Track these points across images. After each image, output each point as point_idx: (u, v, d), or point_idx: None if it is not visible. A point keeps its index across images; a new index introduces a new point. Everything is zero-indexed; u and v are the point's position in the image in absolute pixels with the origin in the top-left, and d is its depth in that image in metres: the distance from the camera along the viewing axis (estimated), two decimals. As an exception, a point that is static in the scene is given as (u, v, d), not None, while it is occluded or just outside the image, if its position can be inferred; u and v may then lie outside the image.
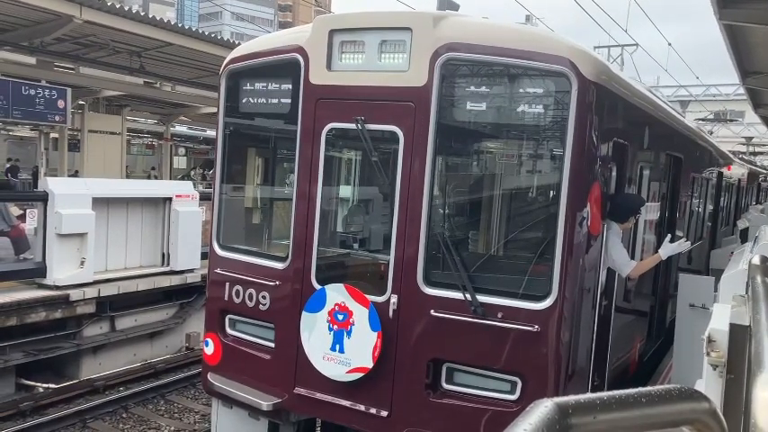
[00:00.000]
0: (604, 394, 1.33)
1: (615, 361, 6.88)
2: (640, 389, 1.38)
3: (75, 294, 11.80)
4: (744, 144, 42.08)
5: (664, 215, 9.12)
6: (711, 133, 29.34)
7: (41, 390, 11.28)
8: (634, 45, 29.15)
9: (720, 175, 15.60)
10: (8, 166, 30.10)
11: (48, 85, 20.00)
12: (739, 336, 2.45)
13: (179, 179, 32.14)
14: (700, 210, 12.96)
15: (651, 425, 1.35)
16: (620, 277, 6.72)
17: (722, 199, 17.33)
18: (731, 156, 19.84)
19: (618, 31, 26.31)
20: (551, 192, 5.66)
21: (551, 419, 1.21)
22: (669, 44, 30.36)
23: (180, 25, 17.31)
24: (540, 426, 1.17)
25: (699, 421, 1.40)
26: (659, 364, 9.04)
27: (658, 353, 9.50)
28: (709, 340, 2.58)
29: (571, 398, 1.29)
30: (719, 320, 2.69)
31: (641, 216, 6.92)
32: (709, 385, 2.54)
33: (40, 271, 11.80)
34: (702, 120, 34.44)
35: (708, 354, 2.57)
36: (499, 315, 5.39)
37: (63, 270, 11.82)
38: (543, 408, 1.24)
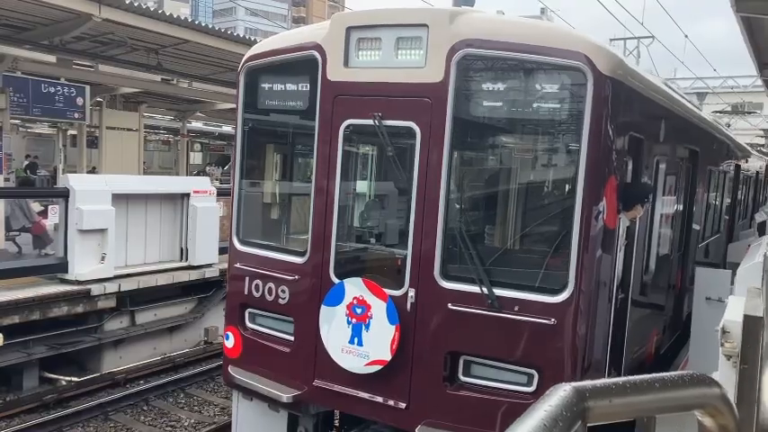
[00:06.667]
0: (620, 379, 1.40)
1: (632, 354, 6.91)
2: (654, 374, 1.45)
3: (96, 289, 12.01)
4: (762, 136, 41.59)
5: (680, 208, 9.11)
6: (729, 126, 29.09)
7: (64, 383, 11.51)
8: (650, 38, 28.92)
9: (738, 167, 15.50)
10: (27, 163, 30.46)
11: (67, 82, 20.25)
12: (753, 327, 2.49)
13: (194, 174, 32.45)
14: (717, 203, 12.90)
15: (664, 408, 1.42)
16: (636, 271, 6.74)
17: (740, 192, 17.21)
18: (749, 148, 19.67)
19: (636, 23, 26.09)
20: (567, 186, 5.70)
21: (569, 402, 1.29)
22: (686, 36, 30.11)
23: (196, 22, 17.45)
24: (559, 408, 1.25)
25: (710, 405, 1.46)
26: (676, 358, 9.06)
27: (675, 346, 9.51)
28: (724, 331, 2.63)
29: (588, 382, 1.37)
30: (734, 312, 2.74)
31: (648, 205, 6.85)
32: (724, 375, 2.60)
33: (62, 266, 12.02)
34: (720, 112, 34.11)
35: (722, 344, 2.63)
36: (516, 308, 5.45)
37: (84, 265, 12.02)
38: (562, 392, 1.32)
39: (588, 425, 1.34)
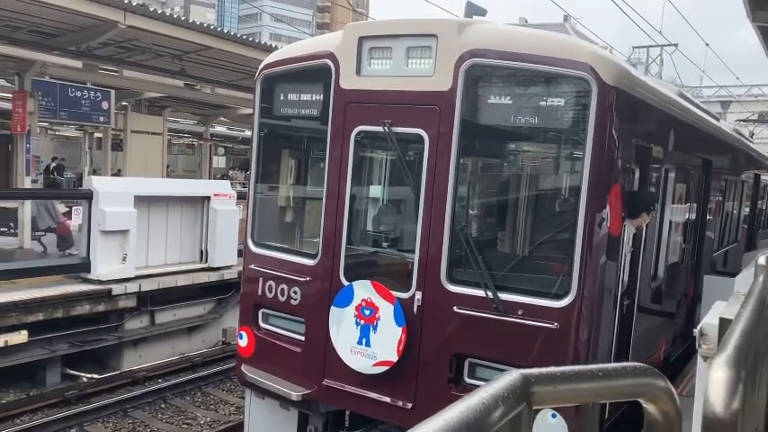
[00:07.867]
0: (566, 368, 1.54)
1: (638, 360, 6.96)
2: (601, 365, 1.59)
3: (117, 289, 12.31)
4: (788, 145, 40.94)
5: (691, 217, 9.12)
6: (753, 135, 28.75)
7: (85, 379, 11.82)
8: (673, 45, 28.78)
9: (757, 177, 15.40)
10: (54, 165, 31.06)
11: (93, 87, 20.69)
12: (727, 329, 2.61)
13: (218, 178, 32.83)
14: (733, 212, 12.85)
15: (608, 395, 1.56)
16: (643, 278, 6.80)
17: (760, 201, 17.07)
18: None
19: (662, 30, 26.02)
20: (572, 193, 5.80)
21: (514, 386, 1.42)
22: (707, 44, 29.91)
23: (219, 28, 17.80)
24: (502, 390, 1.38)
25: (652, 394, 1.59)
26: (686, 366, 9.05)
27: (686, 356, 9.50)
28: (701, 333, 2.75)
29: (536, 370, 1.51)
30: (713, 315, 2.85)
31: (655, 213, 6.89)
32: (700, 375, 2.70)
33: (85, 266, 12.35)
34: (744, 121, 33.73)
35: (700, 346, 2.74)
36: (520, 312, 5.56)
37: (106, 265, 12.33)
38: (510, 377, 1.46)
39: (534, 407, 1.48)
